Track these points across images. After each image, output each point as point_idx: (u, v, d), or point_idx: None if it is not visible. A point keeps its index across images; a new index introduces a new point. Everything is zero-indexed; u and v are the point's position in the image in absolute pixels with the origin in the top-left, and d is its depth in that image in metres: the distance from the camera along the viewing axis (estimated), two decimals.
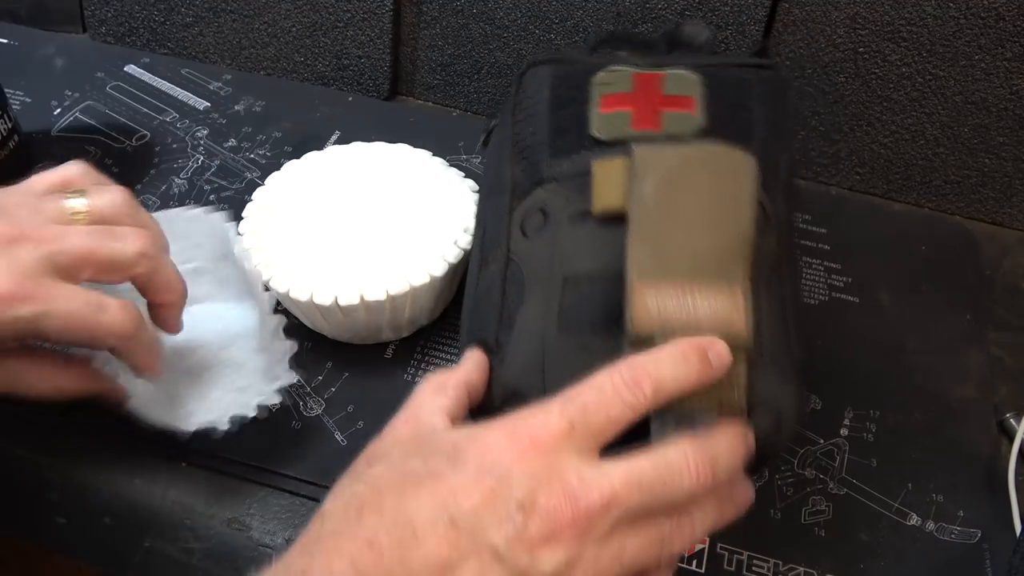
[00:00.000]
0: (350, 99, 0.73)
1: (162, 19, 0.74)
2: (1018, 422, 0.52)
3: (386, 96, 0.73)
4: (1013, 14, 0.60)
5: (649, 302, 0.39)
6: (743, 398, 0.38)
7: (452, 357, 0.55)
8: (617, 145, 0.44)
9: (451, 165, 0.57)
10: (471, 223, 0.53)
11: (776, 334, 0.42)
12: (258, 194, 0.55)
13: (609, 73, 0.47)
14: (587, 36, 0.68)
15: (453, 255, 0.52)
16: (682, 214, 0.41)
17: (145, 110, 0.70)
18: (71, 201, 0.43)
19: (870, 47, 0.64)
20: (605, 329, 0.41)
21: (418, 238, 0.53)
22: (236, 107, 0.71)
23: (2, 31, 0.75)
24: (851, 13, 0.63)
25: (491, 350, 0.43)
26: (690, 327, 0.38)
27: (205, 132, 0.68)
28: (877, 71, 0.65)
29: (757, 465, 0.43)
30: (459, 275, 0.54)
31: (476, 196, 0.55)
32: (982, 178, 0.66)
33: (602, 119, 0.46)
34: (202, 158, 0.66)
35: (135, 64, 0.74)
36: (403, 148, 0.58)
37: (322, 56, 0.73)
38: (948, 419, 0.54)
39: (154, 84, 0.72)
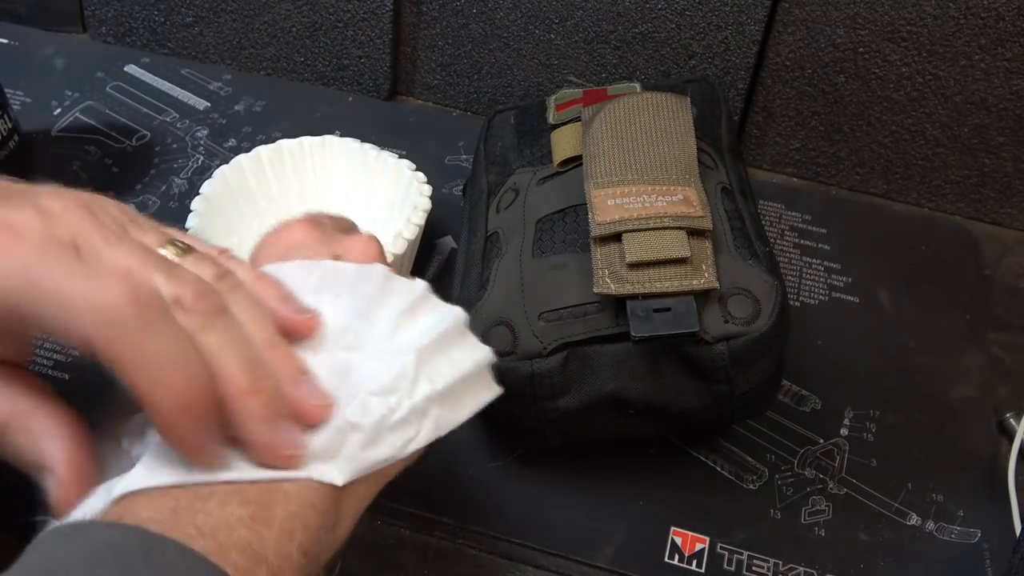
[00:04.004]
0: (350, 99, 0.73)
1: (162, 19, 0.74)
2: (1018, 422, 0.52)
3: (386, 96, 0.73)
4: (1013, 14, 0.60)
5: (608, 201, 0.45)
6: (713, 276, 0.42)
7: None
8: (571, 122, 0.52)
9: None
10: (420, 200, 0.55)
11: (738, 235, 0.46)
12: (206, 188, 0.56)
13: (563, 92, 0.56)
14: (587, 36, 0.68)
15: (409, 232, 0.53)
16: (630, 143, 0.47)
17: (145, 110, 0.70)
18: (164, 250, 0.31)
19: (870, 47, 0.64)
20: (575, 247, 0.46)
21: (372, 220, 0.54)
22: (236, 107, 0.71)
23: (2, 31, 0.75)
24: (851, 13, 0.63)
25: (477, 298, 0.46)
26: (650, 217, 0.43)
27: (205, 132, 0.68)
28: (877, 71, 0.65)
29: (758, 401, 0.47)
30: (415, 250, 0.56)
31: (417, 174, 0.58)
32: (982, 178, 0.66)
33: (557, 114, 0.54)
34: (202, 158, 0.66)
35: (135, 64, 0.74)
36: (333, 138, 0.60)
37: (322, 56, 0.73)
38: (948, 419, 0.54)
39: (154, 84, 0.72)
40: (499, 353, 0.44)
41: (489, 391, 0.35)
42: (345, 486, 0.31)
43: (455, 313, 0.35)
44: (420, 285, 0.35)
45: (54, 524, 0.29)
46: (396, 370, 0.32)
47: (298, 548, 0.29)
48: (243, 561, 0.27)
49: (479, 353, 0.35)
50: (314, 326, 0.33)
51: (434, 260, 0.61)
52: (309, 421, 0.31)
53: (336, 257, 0.36)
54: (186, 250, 0.32)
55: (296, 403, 0.31)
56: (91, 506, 0.29)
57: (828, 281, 0.61)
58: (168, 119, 0.69)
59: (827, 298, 0.60)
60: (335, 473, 0.30)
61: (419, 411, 0.32)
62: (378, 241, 0.37)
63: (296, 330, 0.33)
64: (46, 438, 0.31)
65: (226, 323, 0.30)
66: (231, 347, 0.29)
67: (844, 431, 0.53)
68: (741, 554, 0.47)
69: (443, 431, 0.33)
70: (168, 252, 0.31)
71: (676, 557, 0.47)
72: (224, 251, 0.34)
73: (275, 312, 0.32)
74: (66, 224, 0.29)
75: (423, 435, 0.32)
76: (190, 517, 0.28)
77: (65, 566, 0.25)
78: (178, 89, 0.72)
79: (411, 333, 0.33)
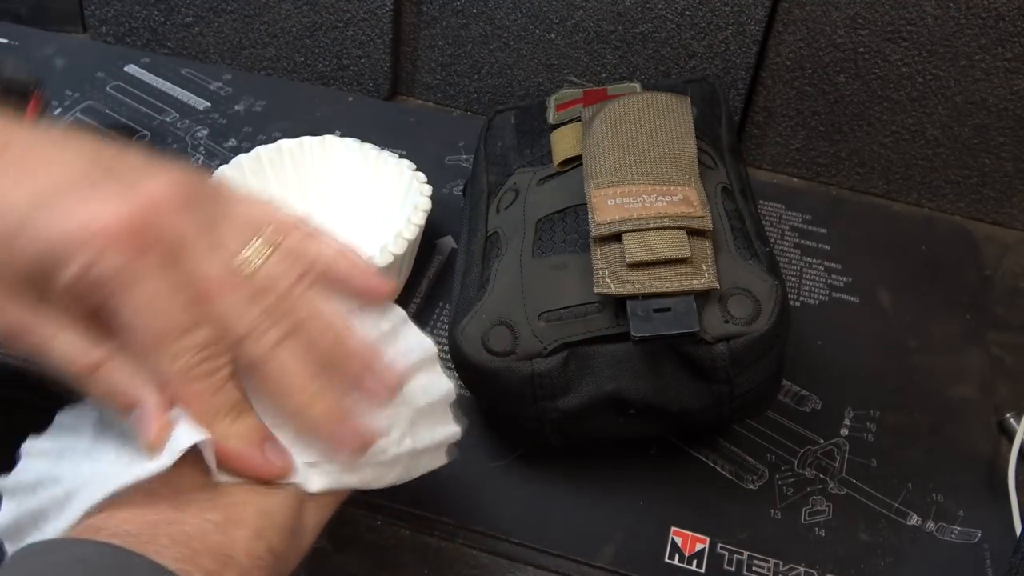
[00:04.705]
0: (350, 99, 0.73)
1: (162, 19, 0.74)
2: (1018, 422, 0.52)
3: (386, 96, 0.73)
4: (1013, 14, 0.60)
5: (608, 202, 0.44)
6: (713, 276, 0.42)
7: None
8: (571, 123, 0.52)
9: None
10: (420, 200, 0.55)
11: (738, 235, 0.46)
12: None
13: (563, 92, 0.56)
14: (587, 36, 0.68)
15: (409, 231, 0.53)
16: (630, 143, 0.47)
17: (145, 110, 0.70)
18: (251, 248, 0.33)
19: (870, 47, 0.64)
20: (575, 247, 0.46)
21: (372, 220, 0.54)
22: (236, 107, 0.71)
23: (2, 31, 0.75)
24: (851, 13, 0.63)
25: (477, 298, 0.46)
26: (650, 217, 0.43)
27: (205, 132, 0.68)
28: (877, 71, 0.65)
29: (758, 401, 0.47)
30: (415, 251, 0.56)
31: (417, 174, 0.58)
32: (982, 178, 0.66)
33: (557, 114, 0.54)
34: (202, 158, 0.66)
35: (135, 64, 0.74)
36: (333, 138, 0.60)
37: (322, 56, 0.73)
38: (948, 419, 0.54)
39: (154, 84, 0.72)
40: (499, 353, 0.44)
41: (439, 462, 0.39)
42: (311, 496, 0.33)
43: (449, 387, 0.38)
44: (430, 346, 0.38)
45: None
46: (391, 418, 0.35)
47: (267, 547, 0.30)
48: (213, 565, 0.29)
49: (451, 430, 0.38)
50: (390, 291, 0.36)
51: (434, 260, 0.61)
52: (387, 396, 0.34)
53: None
54: (275, 245, 0.34)
55: (374, 390, 0.34)
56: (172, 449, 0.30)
57: (828, 281, 0.61)
58: (168, 119, 0.69)
59: (827, 298, 0.60)
60: (313, 480, 0.33)
61: (395, 460, 0.35)
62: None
63: (374, 295, 0.36)
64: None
65: (293, 343, 0.33)
66: (296, 364, 0.33)
67: (844, 431, 0.52)
68: (741, 554, 0.47)
69: (399, 483, 0.36)
70: (255, 248, 0.33)
71: (676, 557, 0.47)
72: (302, 222, 0.36)
73: (355, 281, 0.35)
74: (169, 224, 0.31)
75: (387, 480, 0.36)
76: (166, 528, 0.29)
77: None
78: (178, 89, 0.72)
79: (411, 389, 0.36)
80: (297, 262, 0.34)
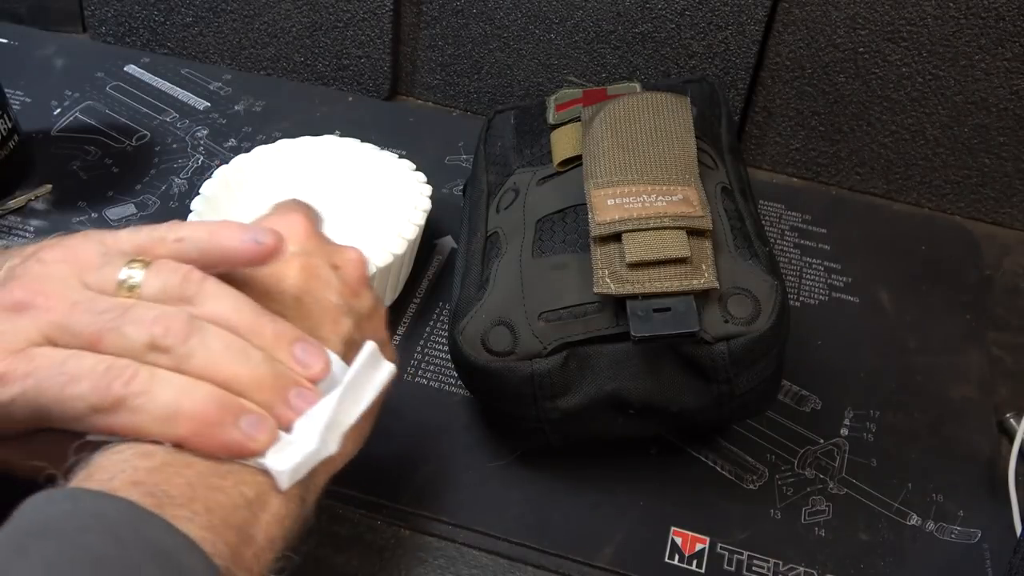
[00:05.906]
0: (350, 99, 0.73)
1: (162, 19, 0.74)
2: (1018, 422, 0.52)
3: (386, 96, 0.73)
4: (1013, 14, 0.60)
5: (608, 201, 0.44)
6: (713, 276, 0.42)
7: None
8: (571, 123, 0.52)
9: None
10: (420, 200, 0.55)
11: (738, 235, 0.46)
12: (206, 188, 0.56)
13: (562, 92, 0.56)
14: (587, 36, 0.68)
15: (409, 231, 0.53)
16: (630, 143, 0.47)
17: (145, 110, 0.70)
18: (126, 271, 0.33)
19: (870, 47, 0.64)
20: (575, 247, 0.46)
21: (372, 220, 0.55)
22: (236, 107, 0.71)
23: (2, 31, 0.75)
24: (851, 13, 0.63)
25: (476, 298, 0.46)
26: (650, 217, 0.43)
27: (205, 132, 0.68)
28: (877, 71, 0.65)
29: (758, 401, 0.47)
30: (415, 250, 0.57)
31: (417, 174, 0.58)
32: (982, 178, 0.66)
33: (557, 114, 0.54)
34: (202, 158, 0.66)
35: (135, 64, 0.74)
36: (333, 138, 0.60)
37: (322, 56, 0.73)
38: (948, 419, 0.54)
39: (154, 84, 0.72)
40: (499, 353, 0.44)
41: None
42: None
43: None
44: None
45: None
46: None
47: (282, 533, 0.31)
48: (236, 540, 0.29)
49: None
50: (279, 249, 0.34)
51: (434, 260, 0.61)
52: (315, 380, 0.33)
53: (335, 268, 0.38)
54: (147, 263, 0.33)
55: (298, 376, 0.33)
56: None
57: (828, 281, 0.61)
58: (168, 119, 0.69)
59: (827, 298, 0.60)
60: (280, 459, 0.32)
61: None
62: (363, 254, 0.40)
63: (264, 257, 0.34)
64: None
65: (202, 338, 0.32)
66: (217, 357, 0.31)
67: (844, 431, 0.53)
68: (741, 554, 0.47)
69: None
70: (132, 272, 0.33)
71: (676, 557, 0.47)
72: (173, 226, 0.35)
73: (239, 249, 0.34)
74: (33, 315, 0.32)
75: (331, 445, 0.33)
76: (204, 493, 0.29)
77: (58, 530, 0.27)
78: (178, 89, 0.72)
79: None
80: (173, 267, 0.33)
